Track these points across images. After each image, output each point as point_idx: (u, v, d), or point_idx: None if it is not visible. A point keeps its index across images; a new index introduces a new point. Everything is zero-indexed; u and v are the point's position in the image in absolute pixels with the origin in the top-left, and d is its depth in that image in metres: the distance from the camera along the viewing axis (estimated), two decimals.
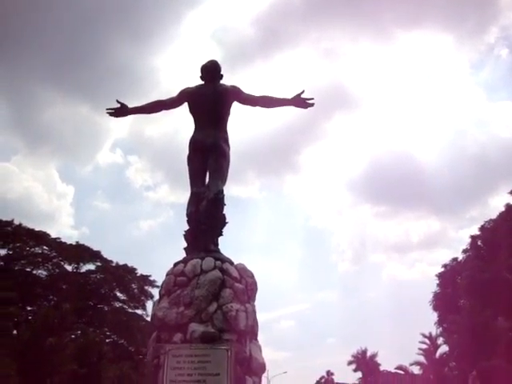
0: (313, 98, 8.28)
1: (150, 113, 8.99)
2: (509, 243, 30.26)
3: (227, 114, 8.44)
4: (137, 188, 72.36)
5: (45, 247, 38.66)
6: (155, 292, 40.57)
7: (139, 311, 40.41)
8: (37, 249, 38.58)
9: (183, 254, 7.74)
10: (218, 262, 7.34)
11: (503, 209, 34.80)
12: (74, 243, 39.69)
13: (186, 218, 8.00)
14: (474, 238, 36.71)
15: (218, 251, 7.66)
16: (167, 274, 7.60)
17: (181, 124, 72.30)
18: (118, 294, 40.58)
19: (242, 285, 7.35)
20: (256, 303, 7.66)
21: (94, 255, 39.31)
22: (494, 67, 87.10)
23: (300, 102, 8.29)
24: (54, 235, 39.97)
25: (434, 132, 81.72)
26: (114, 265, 39.58)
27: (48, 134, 60.70)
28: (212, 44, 71.59)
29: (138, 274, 40.33)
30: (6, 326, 19.57)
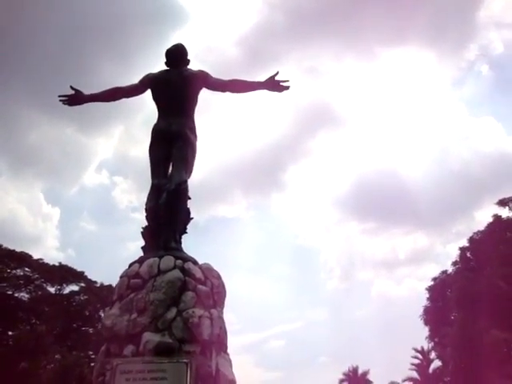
0: (288, 80, 7.27)
1: (108, 100, 7.86)
2: (499, 252, 29.28)
3: (194, 100, 7.41)
4: (123, 209, 70.68)
5: (27, 269, 36.88)
6: None
7: None
8: (18, 271, 36.83)
9: None
10: (179, 261, 6.19)
11: (490, 220, 33.97)
12: (57, 264, 38.05)
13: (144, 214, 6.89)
14: (462, 249, 35.72)
15: (179, 249, 6.51)
16: (121, 277, 6.42)
17: None
18: (103, 315, 38.72)
19: (206, 287, 6.18)
20: (224, 310, 6.50)
21: (78, 276, 37.64)
22: (475, 83, 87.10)
23: (274, 84, 7.28)
24: (39, 257, 38.33)
25: (419, 148, 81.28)
26: (98, 285, 37.87)
27: (33, 156, 59.17)
28: (196, 64, 70.99)
29: None
30: None
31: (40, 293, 37.53)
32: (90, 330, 38.64)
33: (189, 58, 7.74)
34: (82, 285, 37.81)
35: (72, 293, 37.98)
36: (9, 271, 36.32)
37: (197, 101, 7.48)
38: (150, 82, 7.47)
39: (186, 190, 6.75)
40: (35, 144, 60.54)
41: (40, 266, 37.06)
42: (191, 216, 7.08)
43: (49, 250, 57.37)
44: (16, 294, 37.04)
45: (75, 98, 7.49)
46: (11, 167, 59.59)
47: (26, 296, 37.13)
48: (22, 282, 36.97)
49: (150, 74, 7.58)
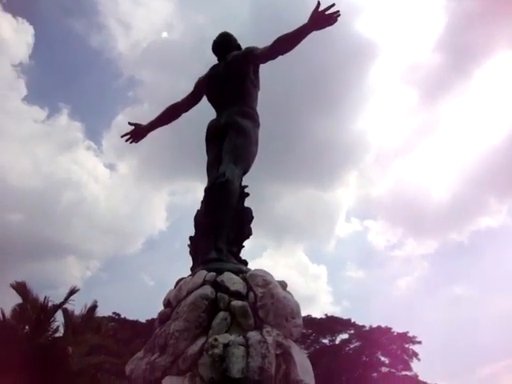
0: (333, 4, 5.08)
1: (169, 121, 6.72)
2: None
3: (244, 83, 5.80)
4: (382, 250, 67.47)
5: None
6: (417, 349, 35.34)
7: (409, 372, 35.28)
8: None
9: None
10: (211, 274, 4.35)
11: None
12: (323, 317, 37.81)
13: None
14: None
15: (222, 259, 4.63)
16: None
17: (401, 175, 67.54)
18: (382, 358, 36.26)
19: (244, 301, 4.14)
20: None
21: (345, 324, 36.53)
22: None
23: (319, 18, 5.15)
24: (317, 315, 38.75)
25: None
26: (367, 329, 35.97)
27: (287, 224, 61.80)
28: (403, 87, 66.37)
29: (394, 333, 35.75)
30: None
31: (317, 346, 37.57)
32: (374, 375, 36.47)
33: (237, 43, 6.23)
34: (352, 332, 36.40)
35: (343, 341, 36.81)
36: None
37: (251, 82, 5.82)
38: (201, 84, 6.18)
39: (227, 182, 4.96)
40: (284, 211, 63.52)
41: (309, 322, 37.23)
42: (251, 216, 5.26)
43: (325, 306, 57.82)
44: None
45: (137, 133, 6.56)
46: (273, 238, 63.46)
47: (306, 351, 37.49)
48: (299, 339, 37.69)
49: (202, 75, 6.30)
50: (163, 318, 4.43)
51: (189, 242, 5.16)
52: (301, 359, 4.18)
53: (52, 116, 70.43)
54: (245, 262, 4.97)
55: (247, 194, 5.38)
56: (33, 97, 69.55)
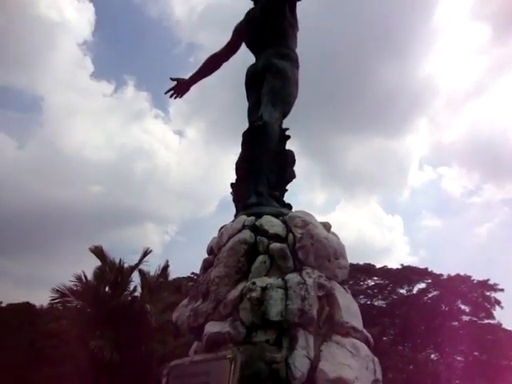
0: None
1: (211, 72, 6.56)
2: None
3: (281, 24, 5.48)
4: (458, 197, 64.01)
5: (375, 278, 37.15)
6: (500, 297, 33.89)
7: (491, 321, 34.00)
8: (369, 281, 37.42)
9: None
10: (250, 219, 4.20)
11: None
12: (399, 267, 37.05)
13: None
14: None
15: (262, 203, 4.46)
16: None
17: (475, 118, 63.32)
18: (462, 306, 35.14)
19: (283, 244, 3.96)
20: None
21: (422, 273, 35.57)
22: None
23: None
24: (394, 266, 38.16)
25: None
26: (445, 278, 34.85)
27: (358, 175, 60.05)
28: (472, 24, 61.00)
29: (474, 281, 34.38)
30: None
31: (395, 297, 37.06)
32: (455, 324, 35.55)
33: None
34: (429, 281, 35.44)
35: (421, 290, 35.97)
36: (361, 284, 37.20)
37: (288, 22, 5.49)
38: (239, 30, 5.94)
39: (265, 125, 4.74)
40: (354, 163, 61.69)
41: (385, 273, 36.73)
42: (293, 158, 5.05)
43: (402, 257, 56.44)
44: (375, 303, 37.49)
45: (180, 88, 6.48)
46: (345, 191, 62.23)
47: (383, 302, 37.15)
48: (375, 290, 37.32)
49: (238, 22, 6.06)
50: (206, 266, 4.36)
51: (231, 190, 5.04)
52: (346, 301, 3.96)
53: (119, 89, 72.69)
54: (289, 206, 4.78)
55: (288, 137, 5.12)
56: (99, 72, 71.97)
